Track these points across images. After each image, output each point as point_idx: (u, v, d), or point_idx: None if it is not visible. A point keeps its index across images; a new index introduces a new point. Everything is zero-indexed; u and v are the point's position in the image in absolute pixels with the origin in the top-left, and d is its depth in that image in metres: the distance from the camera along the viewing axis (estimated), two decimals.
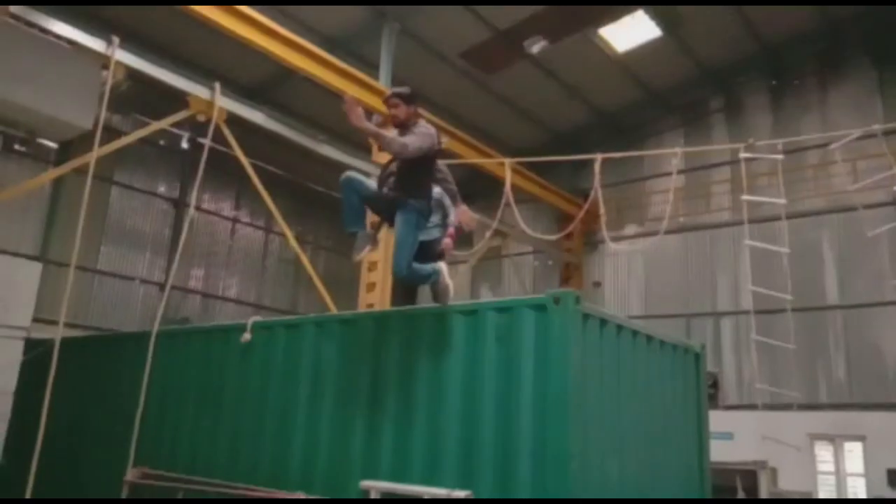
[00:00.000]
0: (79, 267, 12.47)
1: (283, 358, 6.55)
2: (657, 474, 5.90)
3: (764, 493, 10.38)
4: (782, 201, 10.47)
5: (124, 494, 7.26)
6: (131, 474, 7.25)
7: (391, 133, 5.17)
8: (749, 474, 10.57)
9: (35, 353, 9.43)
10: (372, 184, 5.46)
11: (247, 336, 6.87)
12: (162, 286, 15.08)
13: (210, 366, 7.18)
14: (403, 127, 5.28)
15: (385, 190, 5.26)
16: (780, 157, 10.30)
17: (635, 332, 5.78)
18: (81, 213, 7.93)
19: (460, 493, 4.98)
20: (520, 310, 5.13)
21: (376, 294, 11.33)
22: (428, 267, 5.41)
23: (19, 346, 10.73)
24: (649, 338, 5.99)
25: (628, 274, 16.56)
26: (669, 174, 12.41)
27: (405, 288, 7.59)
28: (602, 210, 9.70)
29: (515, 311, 5.16)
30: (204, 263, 15.56)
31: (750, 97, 16.27)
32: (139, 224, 14.81)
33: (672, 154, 11.31)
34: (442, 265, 5.46)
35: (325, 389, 6.11)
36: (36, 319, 12.04)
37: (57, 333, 9.64)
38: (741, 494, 10.15)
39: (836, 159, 12.51)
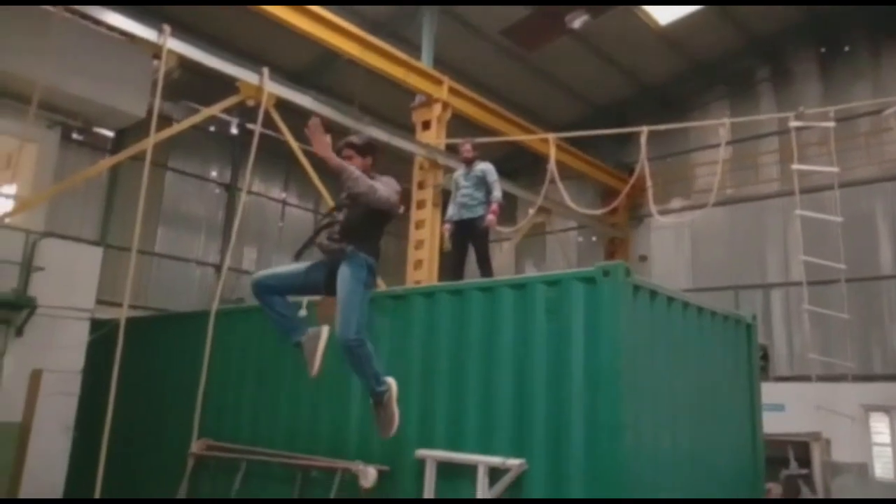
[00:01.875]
0: (138, 251, 12.96)
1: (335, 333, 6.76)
2: (710, 446, 5.95)
3: (817, 465, 10.28)
4: (834, 170, 10.26)
5: (189, 466, 7.62)
6: (196, 446, 7.61)
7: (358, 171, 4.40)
8: (802, 446, 10.47)
9: (100, 332, 9.89)
10: (287, 267, 4.62)
11: (302, 312, 7.07)
12: (217, 267, 15.55)
13: (267, 342, 7.44)
14: None
15: (325, 241, 4.43)
16: (831, 124, 10.08)
17: (686, 304, 5.82)
18: (141, 199, 8.25)
19: (514, 462, 5.14)
20: (569, 283, 5.22)
21: (423, 271, 11.50)
22: (377, 363, 4.41)
23: (85, 327, 11.26)
24: (700, 309, 6.02)
25: (675, 248, 16.40)
26: (715, 146, 12.24)
27: (454, 264, 7.76)
28: (649, 183, 9.63)
29: (564, 283, 5.25)
30: (256, 245, 15.95)
31: (798, 66, 15.86)
32: (193, 208, 15.26)
33: (720, 125, 11.14)
34: (393, 383, 4.48)
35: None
36: (98, 302, 12.60)
37: (120, 314, 10.08)
38: (794, 466, 10.07)
39: (889, 126, 12.16)
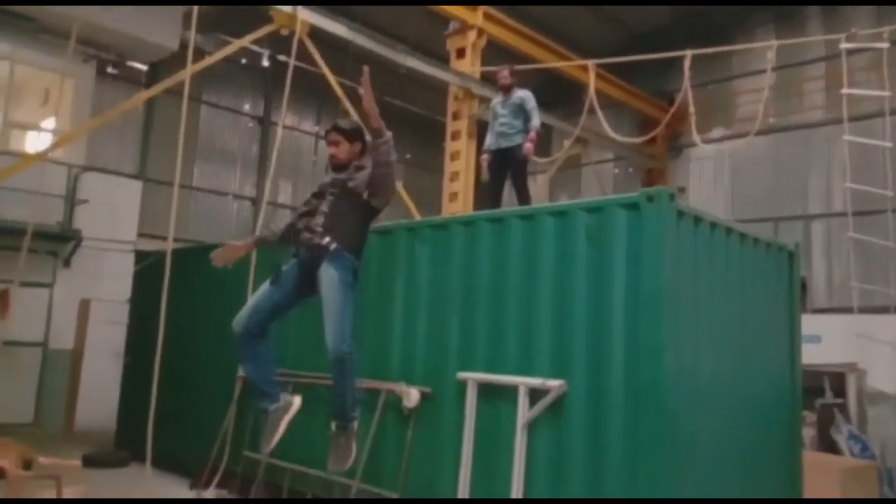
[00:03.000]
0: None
1: (377, 261, 6.85)
2: (749, 373, 5.97)
3: (852, 394, 10.30)
4: (886, 94, 9.90)
5: (237, 390, 7.91)
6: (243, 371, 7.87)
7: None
8: (837, 376, 10.47)
9: (145, 263, 10.14)
10: (257, 294, 4.03)
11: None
12: (253, 201, 15.74)
13: None
14: (343, 169, 4.12)
15: (305, 234, 3.91)
16: (885, 45, 9.67)
17: (729, 230, 5.76)
18: (181, 133, 8.29)
19: (554, 383, 5.24)
20: (611, 209, 5.19)
21: (459, 204, 11.50)
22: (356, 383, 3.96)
23: (130, 259, 11.59)
24: (742, 236, 5.96)
25: (714, 178, 16.12)
26: (758, 73, 11.85)
27: (492, 194, 7.74)
28: (692, 108, 9.36)
29: (606, 210, 5.22)
30: (291, 179, 16.06)
31: None
32: (227, 142, 15.37)
33: (767, 47, 10.74)
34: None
35: (419, 289, 6.40)
36: (139, 235, 12.90)
37: (160, 246, 10.31)
38: (829, 396, 10.10)
39: None
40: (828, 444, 9.52)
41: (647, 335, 4.84)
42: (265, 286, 4.00)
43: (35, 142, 14.28)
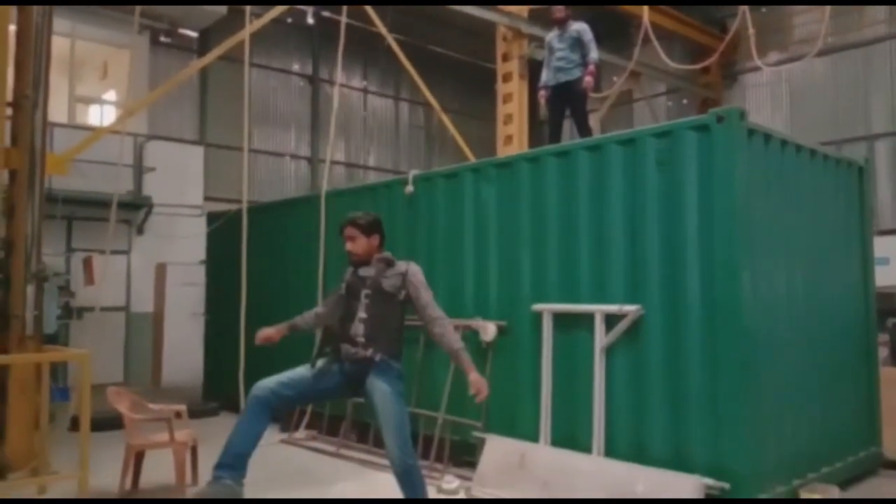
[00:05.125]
0: (235, 148, 13.49)
1: (445, 204, 7.02)
2: (823, 292, 5.98)
3: None
4: None
5: (317, 341, 8.24)
6: None
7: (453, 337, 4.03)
8: None
9: (216, 224, 10.53)
10: (291, 373, 4.06)
11: (409, 188, 7.38)
12: (309, 160, 16.03)
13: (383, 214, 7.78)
14: (363, 265, 4.14)
15: (347, 346, 3.94)
16: None
17: (799, 148, 5.73)
18: (246, 100, 8.55)
19: (630, 308, 5.37)
20: (681, 132, 5.21)
21: (514, 147, 11.51)
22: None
23: (199, 222, 12.04)
24: (813, 153, 5.92)
25: (771, 105, 15.67)
26: None
27: (552, 130, 7.79)
28: (751, 30, 9.11)
29: (676, 134, 5.24)
30: (343, 136, 16.26)
31: None
32: (280, 103, 15.61)
33: None
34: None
35: (488, 228, 6.55)
36: (205, 199, 13.33)
37: (227, 208, 10.67)
38: None
39: None
40: None
41: (721, 254, 4.91)
42: (304, 370, 3.98)
43: (97, 115, 14.80)
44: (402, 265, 4.06)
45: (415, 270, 4.06)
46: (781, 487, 5.12)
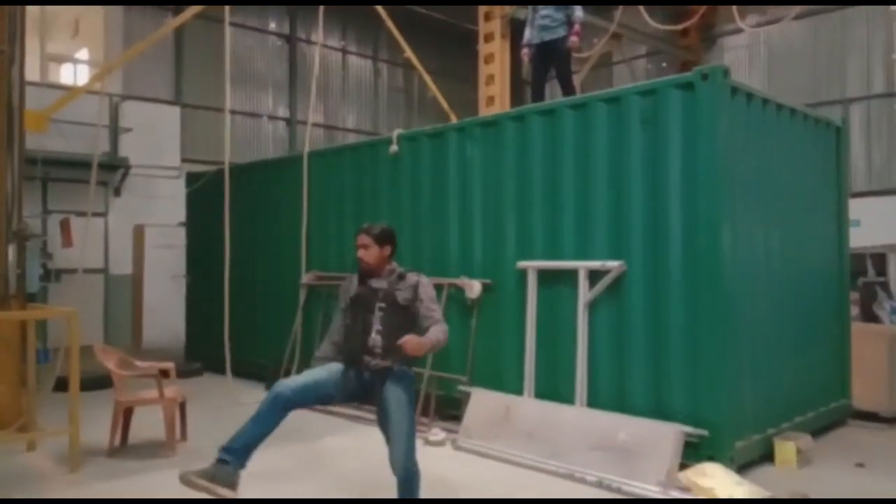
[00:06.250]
0: (212, 108, 13.29)
1: (430, 164, 7.05)
2: (799, 250, 6.15)
3: (894, 274, 10.46)
4: None
5: (302, 296, 8.30)
6: (306, 278, 8.25)
7: (438, 328, 3.98)
8: (879, 257, 10.62)
9: (196, 185, 10.44)
10: (313, 375, 4.05)
11: (394, 148, 7.38)
12: (287, 121, 15.84)
13: (363, 180, 7.80)
14: (373, 275, 4.13)
15: (366, 357, 3.98)
16: None
17: (780, 106, 5.83)
18: (227, 60, 8.41)
19: (613, 263, 5.48)
20: (665, 91, 5.28)
21: (496, 108, 11.47)
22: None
23: (177, 184, 11.92)
24: (793, 111, 6.03)
25: (749, 68, 15.75)
26: None
27: (535, 88, 7.80)
28: None
29: (660, 92, 5.31)
30: (321, 96, 16.05)
31: None
32: (257, 62, 15.33)
33: None
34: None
35: (473, 187, 6.61)
36: (182, 160, 13.16)
37: (205, 169, 10.55)
38: (871, 274, 10.26)
39: None
40: (870, 320, 9.74)
41: (703, 211, 5.02)
42: (326, 375, 4.04)
43: (69, 74, 14.47)
44: (412, 277, 4.12)
45: (425, 283, 4.14)
46: (757, 435, 5.33)
